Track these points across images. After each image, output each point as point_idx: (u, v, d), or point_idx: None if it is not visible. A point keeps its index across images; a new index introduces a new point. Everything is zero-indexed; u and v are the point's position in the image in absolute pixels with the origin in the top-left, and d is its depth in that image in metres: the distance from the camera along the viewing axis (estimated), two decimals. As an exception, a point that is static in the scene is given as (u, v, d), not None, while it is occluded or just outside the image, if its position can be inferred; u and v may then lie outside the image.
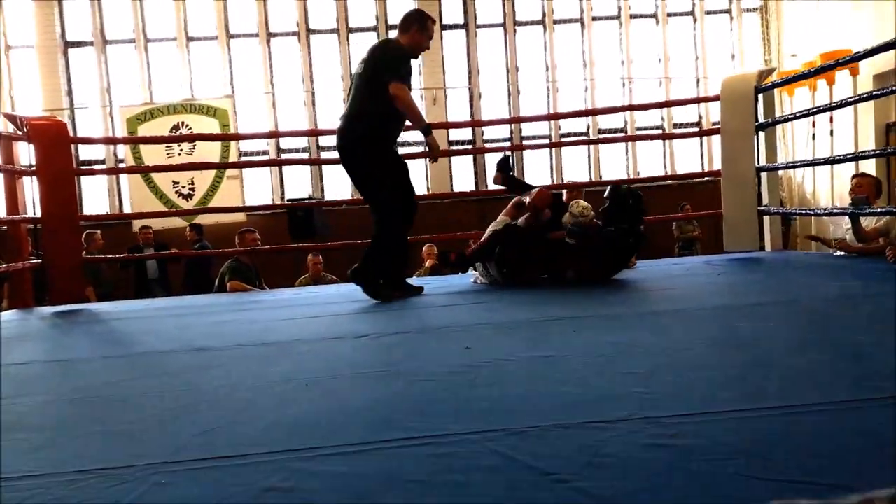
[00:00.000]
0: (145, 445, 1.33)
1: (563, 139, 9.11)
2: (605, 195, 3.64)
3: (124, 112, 9.01)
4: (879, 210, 3.54)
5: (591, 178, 9.45)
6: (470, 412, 1.41)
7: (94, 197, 9.13)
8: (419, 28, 3.37)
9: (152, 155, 8.76)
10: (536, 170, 9.48)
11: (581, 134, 9.44)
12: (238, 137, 8.83)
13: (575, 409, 1.38)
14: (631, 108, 8.42)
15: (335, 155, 3.59)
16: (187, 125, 8.96)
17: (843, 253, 4.02)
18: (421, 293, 3.49)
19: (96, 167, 9.04)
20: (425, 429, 1.29)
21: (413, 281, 3.80)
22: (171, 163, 8.42)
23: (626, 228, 3.53)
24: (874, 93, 3.87)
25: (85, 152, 9.18)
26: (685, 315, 2.50)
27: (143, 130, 8.82)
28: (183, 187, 9.00)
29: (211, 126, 8.89)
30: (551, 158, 9.53)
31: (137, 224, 7.96)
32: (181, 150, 8.90)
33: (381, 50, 3.36)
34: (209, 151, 8.74)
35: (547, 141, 9.23)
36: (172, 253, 7.18)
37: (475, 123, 8.57)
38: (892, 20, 6.46)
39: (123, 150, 9.11)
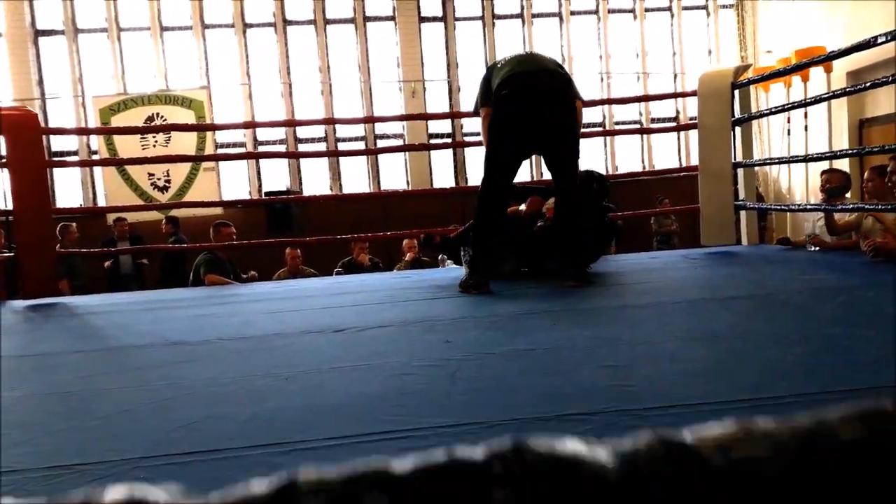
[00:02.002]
0: (121, 440, 1.32)
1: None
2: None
3: (97, 102, 8.86)
4: (851, 206, 3.60)
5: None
6: (449, 406, 1.41)
7: (68, 189, 8.98)
8: None
9: (126, 146, 8.64)
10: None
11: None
12: (214, 128, 8.74)
13: (553, 401, 1.39)
14: (609, 102, 8.47)
15: (313, 147, 3.54)
16: (162, 116, 8.84)
17: (816, 248, 4.09)
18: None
19: (69, 159, 8.89)
20: (404, 423, 1.29)
21: (392, 275, 3.79)
22: (145, 154, 8.30)
23: (596, 213, 3.54)
24: (847, 89, 3.93)
25: (57, 143, 9.02)
26: (662, 308, 2.53)
27: (117, 121, 8.68)
28: (158, 179, 8.88)
29: (186, 117, 8.78)
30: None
31: (112, 217, 7.85)
32: (156, 141, 8.78)
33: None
34: (185, 143, 8.63)
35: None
36: (148, 248, 7.08)
37: (454, 115, 8.56)
38: (873, 17, 6.55)
39: (97, 142, 8.97)
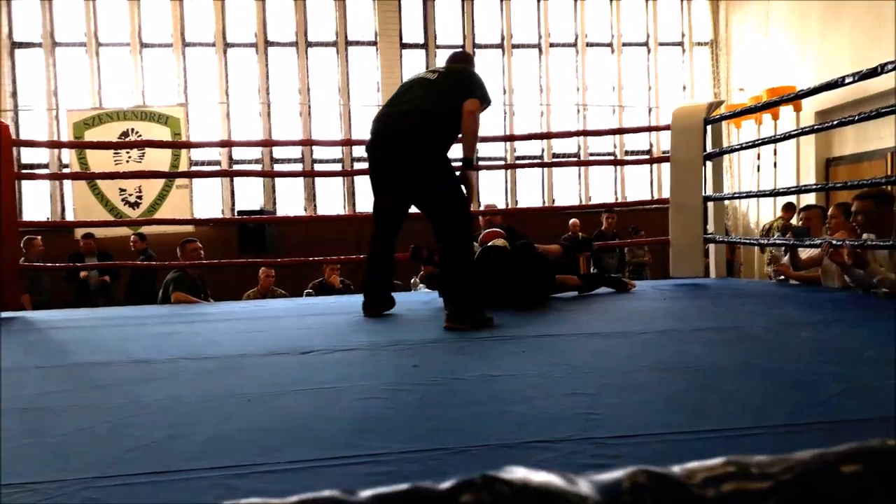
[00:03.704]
0: (78, 459, 1.28)
1: (518, 161, 9.24)
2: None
3: (71, 116, 8.76)
4: (818, 241, 3.68)
5: (543, 202, 9.58)
6: (415, 431, 1.39)
7: (36, 202, 8.82)
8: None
9: (99, 161, 8.53)
10: (491, 190, 9.56)
11: (536, 157, 9.58)
12: (189, 145, 8.68)
13: (520, 429, 1.38)
14: (585, 133, 8.59)
15: (289, 167, 3.53)
16: (137, 132, 8.76)
17: (781, 277, 4.17)
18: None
19: (39, 171, 8.75)
20: (367, 447, 1.27)
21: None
22: (118, 170, 8.21)
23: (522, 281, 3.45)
24: (815, 126, 4.04)
25: (27, 156, 8.88)
26: (631, 338, 2.54)
27: (91, 136, 8.58)
28: (130, 195, 8.77)
29: (162, 134, 8.71)
30: (506, 181, 9.63)
31: (80, 232, 7.72)
32: (129, 157, 8.68)
33: (473, 73, 3.16)
34: (159, 160, 8.55)
35: (502, 162, 9.33)
36: (117, 264, 6.97)
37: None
38: (842, 58, 6.76)
39: (68, 156, 8.85)
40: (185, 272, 5.01)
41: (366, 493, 0.56)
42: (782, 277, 4.18)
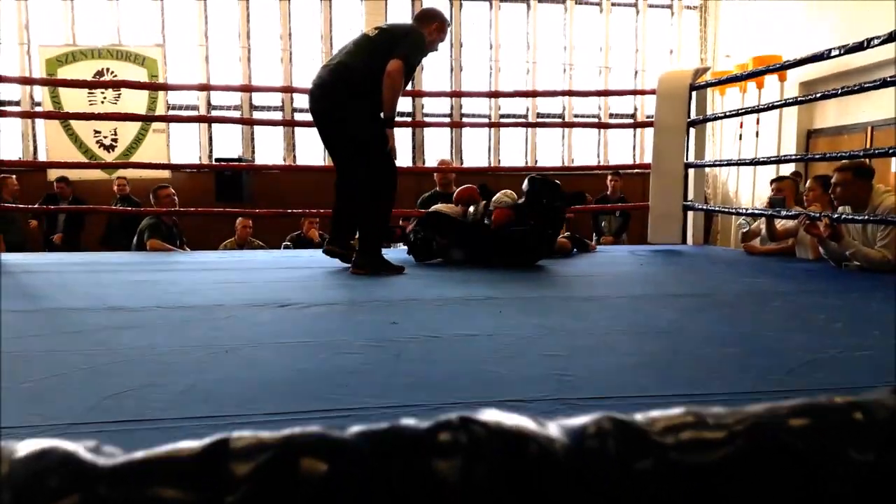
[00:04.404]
0: (51, 406, 1.28)
1: (503, 120, 9.16)
2: (523, 187, 3.57)
3: (44, 52, 8.47)
4: (793, 213, 3.73)
5: (525, 162, 9.55)
6: (392, 387, 1.41)
7: (6, 141, 8.58)
8: (438, 27, 3.33)
9: (73, 101, 8.29)
10: (475, 148, 9.50)
11: (520, 116, 9.51)
12: (166, 88, 8.45)
13: (494, 387, 1.41)
14: (570, 94, 8.53)
15: (269, 115, 3.52)
16: (112, 72, 8.51)
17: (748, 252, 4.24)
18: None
19: (10, 109, 8.49)
20: (344, 402, 1.29)
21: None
22: (92, 111, 7.99)
23: (535, 228, 3.46)
24: (799, 98, 4.05)
25: (-2, 92, 8.61)
26: (607, 302, 2.58)
27: (64, 74, 8.32)
28: (105, 137, 8.57)
29: (138, 75, 8.47)
30: (489, 139, 9.57)
31: (54, 174, 7.55)
32: (104, 97, 8.45)
33: (409, 31, 3.25)
34: (135, 102, 8.34)
35: (486, 120, 9.25)
36: (93, 208, 6.83)
37: (416, 94, 8.49)
38: (829, 29, 6.74)
39: (41, 94, 8.59)
40: (160, 219, 4.95)
41: (352, 429, 0.58)
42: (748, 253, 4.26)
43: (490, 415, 0.60)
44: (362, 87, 3.08)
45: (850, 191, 3.30)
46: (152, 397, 1.32)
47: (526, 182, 3.56)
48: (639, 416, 0.62)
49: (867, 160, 3.59)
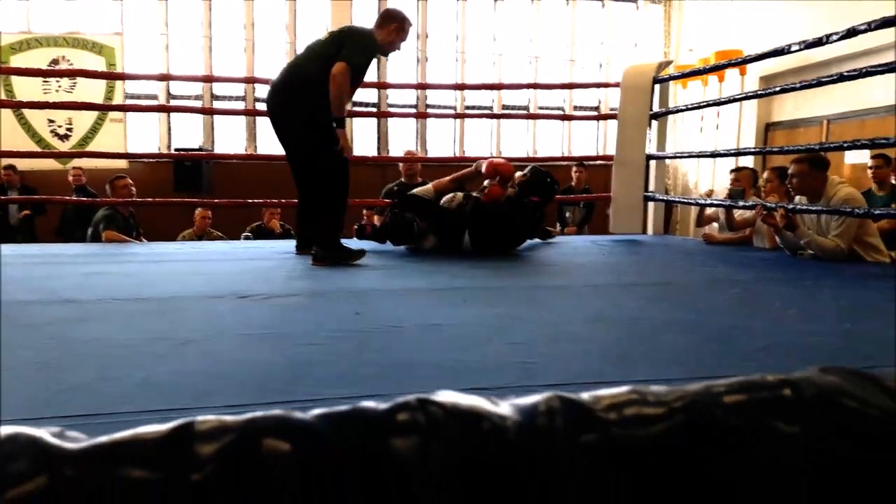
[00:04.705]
0: (4, 399, 1.23)
1: (468, 111, 9.15)
2: (526, 171, 3.80)
3: (-4, 39, 8.20)
4: (751, 203, 3.80)
5: (491, 154, 9.56)
6: (354, 377, 1.40)
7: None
8: (398, 28, 3.37)
9: (26, 89, 8.03)
10: (440, 139, 9.48)
11: (486, 108, 9.51)
12: (124, 77, 8.23)
13: (458, 376, 1.40)
14: (535, 86, 8.55)
15: (230, 105, 3.50)
16: (69, 60, 8.27)
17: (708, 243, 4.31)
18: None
19: (-40, 96, 8.20)
20: (305, 393, 1.27)
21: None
22: (47, 100, 7.75)
23: (532, 206, 3.67)
24: (759, 92, 4.13)
25: (-54, 79, 8.29)
26: (569, 291, 2.60)
27: (18, 62, 8.05)
28: (59, 127, 8.32)
29: (96, 64, 8.24)
30: (455, 130, 9.56)
31: (5, 162, 7.31)
32: (60, 86, 8.21)
33: (356, 34, 3.34)
34: (92, 91, 8.11)
35: (452, 111, 9.24)
36: (47, 199, 6.64)
37: (380, 85, 8.43)
38: (791, 23, 6.87)
39: (-7, 81, 8.30)
40: (115, 210, 4.83)
41: (312, 412, 0.58)
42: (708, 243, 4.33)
43: (446, 396, 0.62)
44: (313, 88, 3.18)
45: (806, 182, 3.37)
46: (107, 391, 1.29)
47: (528, 170, 3.81)
48: (585, 395, 0.65)
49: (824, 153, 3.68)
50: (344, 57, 3.15)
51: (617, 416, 0.64)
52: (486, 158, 3.78)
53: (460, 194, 3.61)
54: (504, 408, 0.63)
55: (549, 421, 0.62)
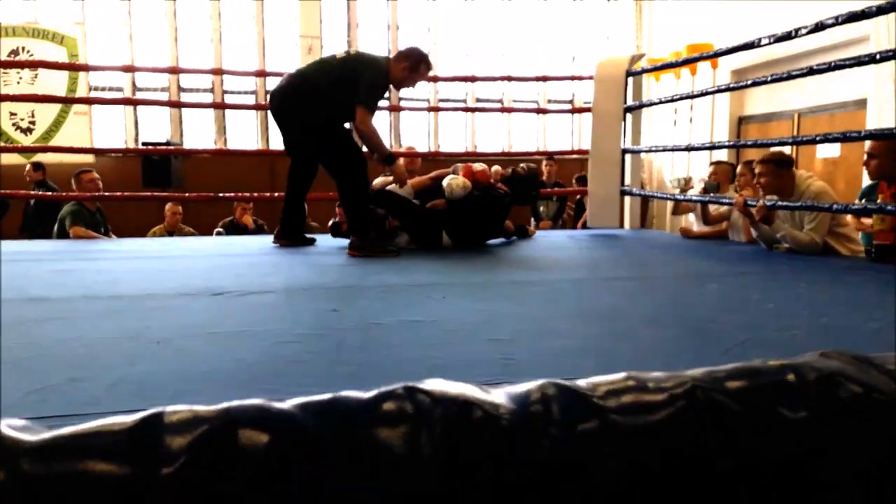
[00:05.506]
0: (-35, 403, 1.18)
1: (442, 104, 9.10)
2: (521, 166, 3.95)
3: (-47, 29, 7.94)
4: (726, 200, 3.83)
5: (465, 148, 9.54)
6: (333, 375, 1.37)
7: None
8: (409, 68, 3.38)
9: (-14, 81, 7.81)
10: (415, 133, 9.43)
11: (460, 101, 9.48)
12: (88, 69, 8.04)
13: (438, 373, 1.36)
14: (509, 79, 8.53)
15: (198, 98, 3.46)
16: (29, 51, 8.05)
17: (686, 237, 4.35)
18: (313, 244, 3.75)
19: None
20: (283, 392, 1.23)
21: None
22: (7, 92, 7.54)
23: (506, 197, 3.72)
24: (731, 85, 4.16)
25: None
26: (549, 286, 2.59)
27: (-24, 52, 7.82)
28: (21, 120, 8.10)
29: (57, 55, 8.03)
30: (429, 124, 9.51)
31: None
32: (20, 78, 7.99)
33: (368, 66, 3.35)
34: (54, 83, 7.91)
35: (426, 104, 9.18)
36: (8, 193, 6.45)
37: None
38: (762, 18, 6.94)
39: (-49, 73, 8.05)
40: (82, 205, 4.71)
41: (292, 401, 0.55)
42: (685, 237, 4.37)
43: (435, 384, 0.59)
44: (317, 98, 3.30)
45: (774, 181, 3.41)
46: (79, 392, 1.25)
47: (520, 167, 3.96)
48: (582, 382, 0.63)
49: (793, 148, 3.72)
50: (361, 101, 3.25)
51: (615, 404, 0.61)
52: (464, 163, 3.76)
53: (469, 183, 3.57)
54: (496, 395, 0.59)
55: (545, 409, 0.59)
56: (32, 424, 0.41)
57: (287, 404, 0.53)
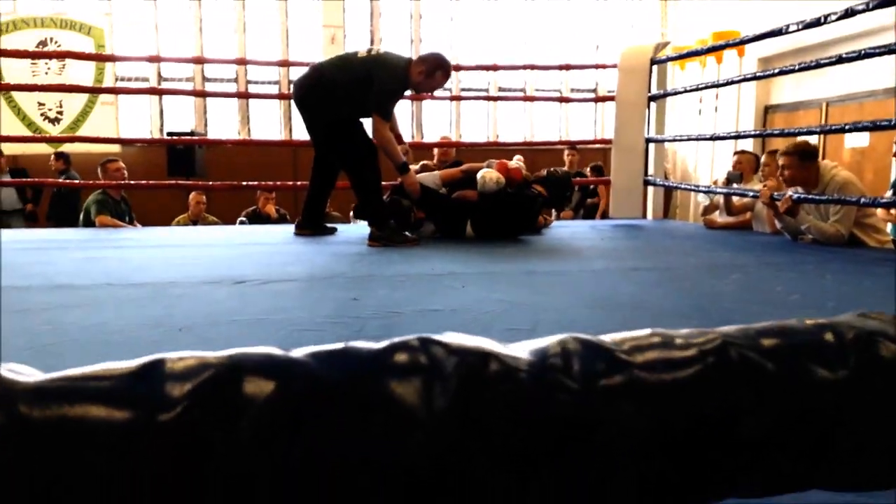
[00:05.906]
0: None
1: (464, 94, 9.06)
2: (554, 170, 3.95)
3: (-17, 21, 8.07)
4: (751, 193, 3.78)
5: (487, 137, 9.51)
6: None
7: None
8: (425, 72, 3.36)
9: (15, 71, 7.92)
10: (436, 123, 9.41)
11: (481, 90, 9.43)
12: (114, 59, 8.14)
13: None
14: (531, 67, 8.47)
15: (222, 87, 3.47)
16: (56, 42, 8.15)
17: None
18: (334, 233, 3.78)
19: (-52, 79, 8.08)
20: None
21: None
22: (35, 82, 7.65)
23: (540, 197, 3.73)
24: (757, 74, 4.09)
25: (-66, 61, 8.16)
26: (569, 276, 2.57)
27: (5, 43, 7.93)
28: (50, 110, 8.23)
29: (84, 46, 8.13)
30: (451, 113, 9.48)
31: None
32: (49, 68, 8.10)
33: (385, 68, 3.35)
34: (81, 73, 8.01)
35: (448, 94, 9.15)
36: (37, 181, 6.56)
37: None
38: (790, 6, 6.80)
39: (-19, 64, 8.18)
40: (107, 194, 4.77)
41: (302, 350, 0.54)
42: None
43: (451, 337, 0.57)
44: (334, 94, 3.34)
45: (798, 173, 3.35)
46: (100, 379, 1.26)
47: (553, 169, 3.94)
48: (605, 337, 0.61)
49: (820, 138, 3.65)
50: (375, 109, 3.30)
51: (641, 360, 0.59)
52: (497, 160, 3.73)
53: (503, 178, 3.55)
54: (514, 349, 0.58)
55: (565, 362, 0.57)
56: (32, 369, 0.41)
57: (296, 353, 0.52)
